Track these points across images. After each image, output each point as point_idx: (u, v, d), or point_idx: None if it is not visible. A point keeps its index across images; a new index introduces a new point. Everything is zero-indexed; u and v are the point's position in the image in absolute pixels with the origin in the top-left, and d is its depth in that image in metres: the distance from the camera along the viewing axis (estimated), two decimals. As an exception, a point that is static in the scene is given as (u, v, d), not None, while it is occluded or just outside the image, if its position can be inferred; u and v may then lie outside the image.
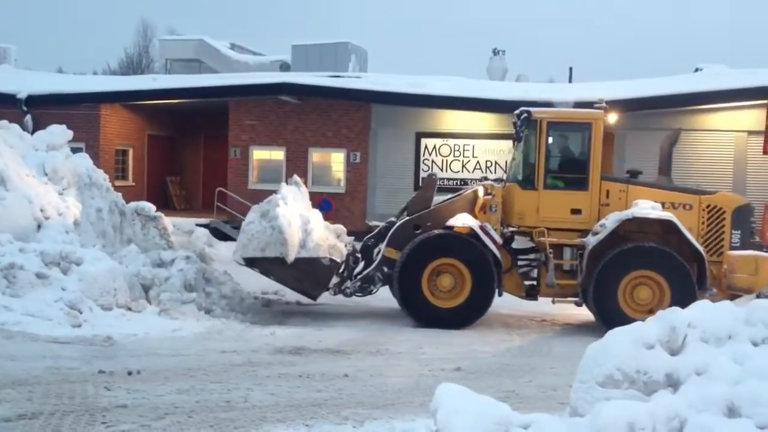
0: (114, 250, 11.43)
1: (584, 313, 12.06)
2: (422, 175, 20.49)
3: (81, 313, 9.49)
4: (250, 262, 10.84)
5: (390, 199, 20.48)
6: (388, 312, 11.87)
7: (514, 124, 11.46)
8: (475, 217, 11.14)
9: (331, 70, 23.78)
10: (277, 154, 21.71)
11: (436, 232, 10.94)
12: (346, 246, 11.63)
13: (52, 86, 22.35)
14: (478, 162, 20.11)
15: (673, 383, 4.23)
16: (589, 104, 18.32)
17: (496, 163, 19.97)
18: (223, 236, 20.37)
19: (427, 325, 10.62)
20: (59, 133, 12.47)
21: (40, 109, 21.08)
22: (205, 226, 20.01)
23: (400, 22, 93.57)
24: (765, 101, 14.75)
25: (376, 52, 36.30)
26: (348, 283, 11.28)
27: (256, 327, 10.33)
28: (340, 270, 11.46)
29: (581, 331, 11.03)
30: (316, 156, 21.50)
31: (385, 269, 11.04)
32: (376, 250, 11.55)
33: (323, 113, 21.18)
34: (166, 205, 23.35)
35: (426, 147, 20.49)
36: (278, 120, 21.61)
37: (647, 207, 10.68)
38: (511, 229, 11.33)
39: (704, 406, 3.94)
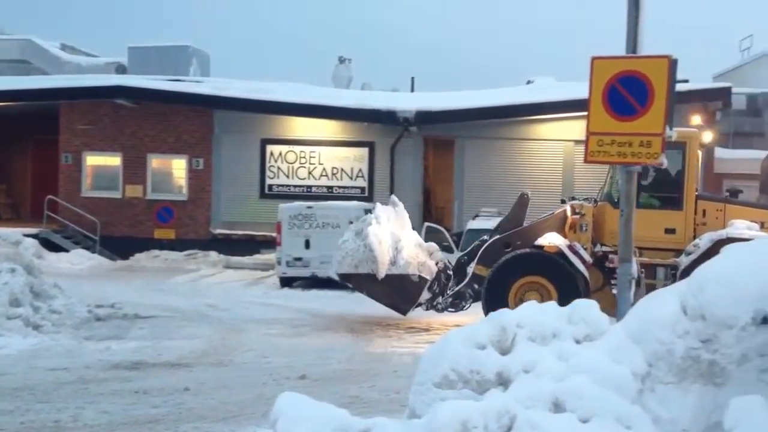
0: (-73, 265, 10.48)
1: (434, 318, 12.35)
2: (268, 181, 20.33)
3: None
4: (345, 278, 11.51)
5: (235, 207, 20.15)
6: (234, 323, 11.65)
7: None
8: (565, 236, 11.14)
9: (171, 73, 23.12)
10: (113, 160, 20.81)
11: (523, 250, 11.05)
12: (437, 263, 11.91)
13: None
14: (324, 169, 20.19)
15: (503, 381, 4.40)
16: (430, 114, 19.07)
17: (342, 170, 20.13)
18: (53, 247, 19.27)
19: None
20: None
21: None
22: (34, 236, 18.91)
23: (244, 25, 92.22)
24: (585, 113, 15.77)
25: (219, 56, 35.63)
26: (440, 299, 11.54)
27: (90, 342, 9.84)
28: (433, 286, 11.74)
29: (427, 335, 11.30)
30: (155, 162, 20.77)
31: (476, 286, 11.22)
32: (468, 268, 11.63)
33: (163, 118, 20.52)
34: (-11, 214, 21.73)
35: (272, 153, 20.32)
36: (114, 124, 20.70)
37: (742, 227, 10.54)
38: (604, 248, 11.31)
39: (532, 402, 4.12)
